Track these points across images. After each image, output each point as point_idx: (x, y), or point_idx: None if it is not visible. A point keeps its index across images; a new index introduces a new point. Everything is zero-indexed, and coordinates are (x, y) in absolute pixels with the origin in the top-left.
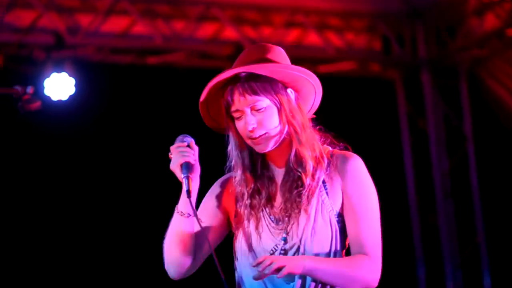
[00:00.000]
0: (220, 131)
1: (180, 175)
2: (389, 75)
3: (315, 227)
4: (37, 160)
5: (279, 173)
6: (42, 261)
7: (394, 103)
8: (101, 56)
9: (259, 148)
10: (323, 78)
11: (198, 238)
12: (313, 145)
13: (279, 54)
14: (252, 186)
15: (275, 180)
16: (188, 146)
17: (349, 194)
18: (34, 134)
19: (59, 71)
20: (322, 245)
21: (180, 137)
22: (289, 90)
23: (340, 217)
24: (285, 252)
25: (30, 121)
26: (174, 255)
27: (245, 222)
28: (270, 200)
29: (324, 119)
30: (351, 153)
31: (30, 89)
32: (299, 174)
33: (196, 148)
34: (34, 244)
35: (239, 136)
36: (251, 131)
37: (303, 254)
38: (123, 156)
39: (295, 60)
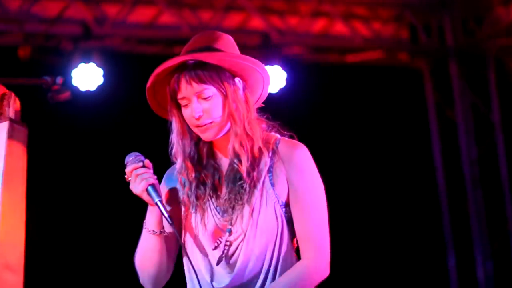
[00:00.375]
0: (162, 113)
1: (149, 199)
2: (417, 65)
3: (259, 219)
4: (67, 151)
5: (225, 163)
6: (77, 253)
7: (422, 92)
8: (128, 47)
9: (205, 136)
10: (350, 68)
11: (168, 245)
12: (254, 136)
13: (228, 42)
14: (194, 175)
15: (220, 170)
16: (144, 165)
17: (294, 184)
18: (63, 124)
19: (86, 61)
20: (266, 237)
21: (131, 158)
22: (236, 80)
23: (287, 207)
24: (230, 244)
25: (58, 111)
26: (151, 273)
27: (191, 212)
28: (215, 190)
29: (352, 108)
30: (296, 141)
31: (59, 80)
32: (237, 166)
33: (150, 165)
34: (66, 236)
35: (183, 123)
36: (197, 119)
37: (247, 246)
38: (151, 147)
39: (321, 50)
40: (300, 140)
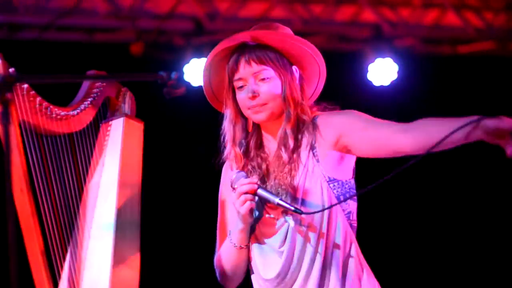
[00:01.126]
0: (217, 106)
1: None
2: None
3: (303, 200)
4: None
5: (273, 148)
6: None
7: None
8: None
9: (256, 118)
10: (462, 59)
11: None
12: (306, 123)
13: (288, 31)
14: (243, 163)
15: (268, 159)
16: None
17: (345, 129)
18: (175, 120)
19: (198, 57)
20: (314, 215)
21: (242, 176)
22: (294, 68)
23: (334, 181)
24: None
25: (171, 107)
26: (239, 279)
27: None
28: (263, 179)
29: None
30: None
31: (174, 75)
32: (282, 151)
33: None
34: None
35: (237, 108)
36: (251, 99)
37: (294, 230)
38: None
39: (433, 41)
40: None
